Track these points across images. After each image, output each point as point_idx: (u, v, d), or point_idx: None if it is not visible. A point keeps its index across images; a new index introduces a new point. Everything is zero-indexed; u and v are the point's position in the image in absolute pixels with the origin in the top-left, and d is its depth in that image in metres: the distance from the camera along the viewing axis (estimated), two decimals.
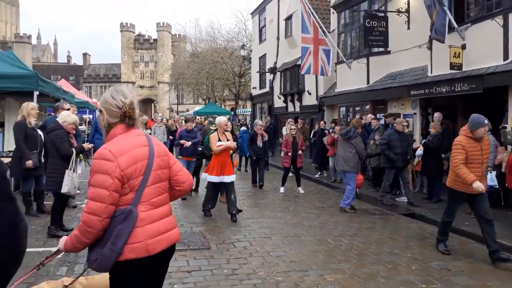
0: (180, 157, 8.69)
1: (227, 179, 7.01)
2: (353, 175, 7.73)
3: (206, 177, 7.10)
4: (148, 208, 2.18)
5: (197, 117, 26.56)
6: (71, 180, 5.43)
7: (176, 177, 2.39)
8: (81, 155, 6.48)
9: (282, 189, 9.76)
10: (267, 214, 7.50)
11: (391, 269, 4.74)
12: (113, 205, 2.07)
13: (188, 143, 8.56)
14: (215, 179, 6.97)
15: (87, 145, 6.05)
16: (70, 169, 5.46)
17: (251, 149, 10.49)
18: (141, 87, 70.60)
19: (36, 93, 8.28)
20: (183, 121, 11.52)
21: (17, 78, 8.14)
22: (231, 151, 7.35)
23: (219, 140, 7.06)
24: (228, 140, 7.16)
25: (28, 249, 4.99)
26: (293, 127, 10.01)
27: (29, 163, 6.25)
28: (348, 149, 7.62)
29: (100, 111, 2.29)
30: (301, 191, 9.74)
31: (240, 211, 7.23)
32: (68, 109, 6.61)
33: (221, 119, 7.41)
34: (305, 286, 4.20)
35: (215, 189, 7.18)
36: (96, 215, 2.03)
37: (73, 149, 5.55)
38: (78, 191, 6.53)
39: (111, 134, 2.24)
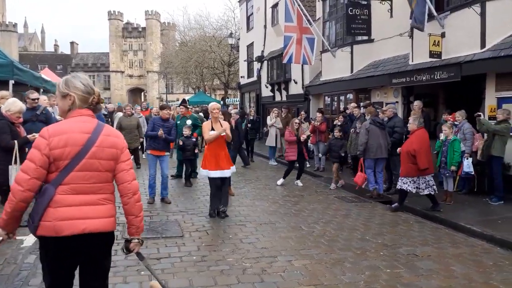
0: (148, 151, 7.45)
1: (227, 173, 6.41)
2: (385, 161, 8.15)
3: (207, 173, 6.34)
4: (66, 192, 2.25)
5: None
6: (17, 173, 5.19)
7: (119, 175, 2.41)
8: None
9: (280, 181, 9.34)
10: (245, 203, 7.53)
11: (359, 254, 4.81)
12: (37, 179, 2.21)
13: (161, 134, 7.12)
14: (213, 174, 6.31)
15: (32, 136, 5.17)
16: (15, 162, 5.05)
17: None
18: (130, 76, 69.79)
19: (11, 82, 8.17)
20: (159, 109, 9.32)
21: None
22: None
23: (212, 129, 6.33)
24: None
25: None
26: (297, 120, 9.41)
27: None
28: (383, 137, 7.97)
29: (66, 95, 2.33)
30: (300, 184, 9.31)
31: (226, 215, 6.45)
32: (34, 99, 6.39)
33: (213, 105, 6.57)
34: (272, 272, 4.25)
35: (216, 185, 6.39)
36: (19, 185, 2.19)
37: (15, 141, 5.10)
38: None
39: (68, 117, 2.35)
